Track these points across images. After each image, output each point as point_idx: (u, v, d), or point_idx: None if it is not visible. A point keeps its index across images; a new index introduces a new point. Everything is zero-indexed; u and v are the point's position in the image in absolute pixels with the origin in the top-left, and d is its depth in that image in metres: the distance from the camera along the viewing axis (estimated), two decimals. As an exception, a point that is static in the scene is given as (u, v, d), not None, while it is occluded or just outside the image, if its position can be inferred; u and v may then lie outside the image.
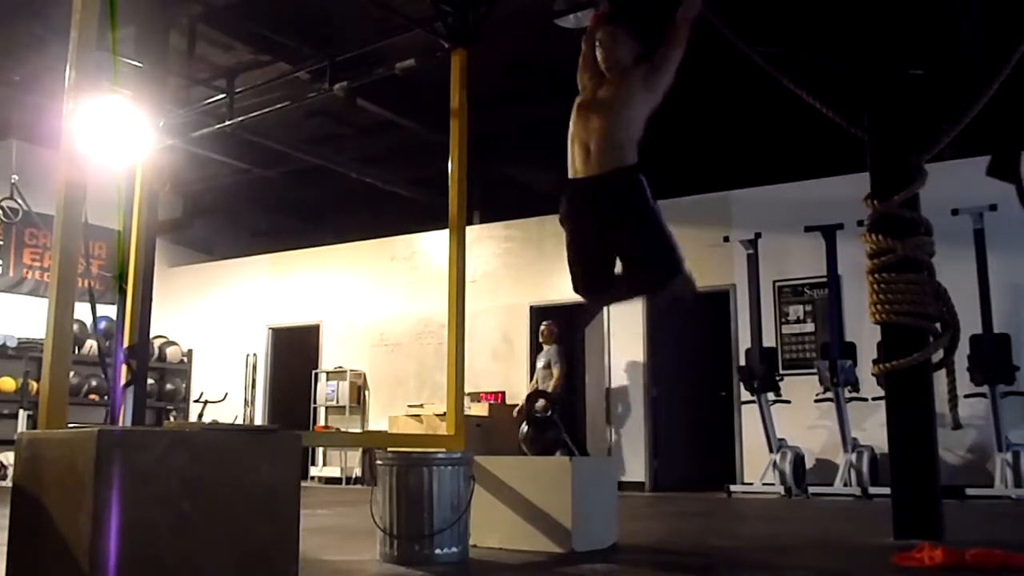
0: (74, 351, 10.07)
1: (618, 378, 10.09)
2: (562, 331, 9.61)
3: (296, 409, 11.93)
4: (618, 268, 3.86)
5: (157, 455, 2.46)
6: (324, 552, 3.97)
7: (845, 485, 8.14)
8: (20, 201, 10.30)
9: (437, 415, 9.46)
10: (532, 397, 8.06)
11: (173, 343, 12.88)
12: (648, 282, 3.82)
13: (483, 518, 4.03)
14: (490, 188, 10.97)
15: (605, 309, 10.22)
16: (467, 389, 5.21)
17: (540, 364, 9.49)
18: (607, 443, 9.95)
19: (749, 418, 9.12)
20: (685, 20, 3.81)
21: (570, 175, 3.85)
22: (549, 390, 8.97)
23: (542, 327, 9.64)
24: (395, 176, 11.43)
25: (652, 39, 3.89)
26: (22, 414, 10.21)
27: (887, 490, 4.64)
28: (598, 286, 3.88)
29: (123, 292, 5.84)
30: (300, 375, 12.20)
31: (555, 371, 9.28)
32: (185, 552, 2.47)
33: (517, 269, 11.00)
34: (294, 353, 12.52)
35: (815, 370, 8.44)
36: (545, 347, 9.54)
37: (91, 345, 11.06)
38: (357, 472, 11.41)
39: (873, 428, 7.98)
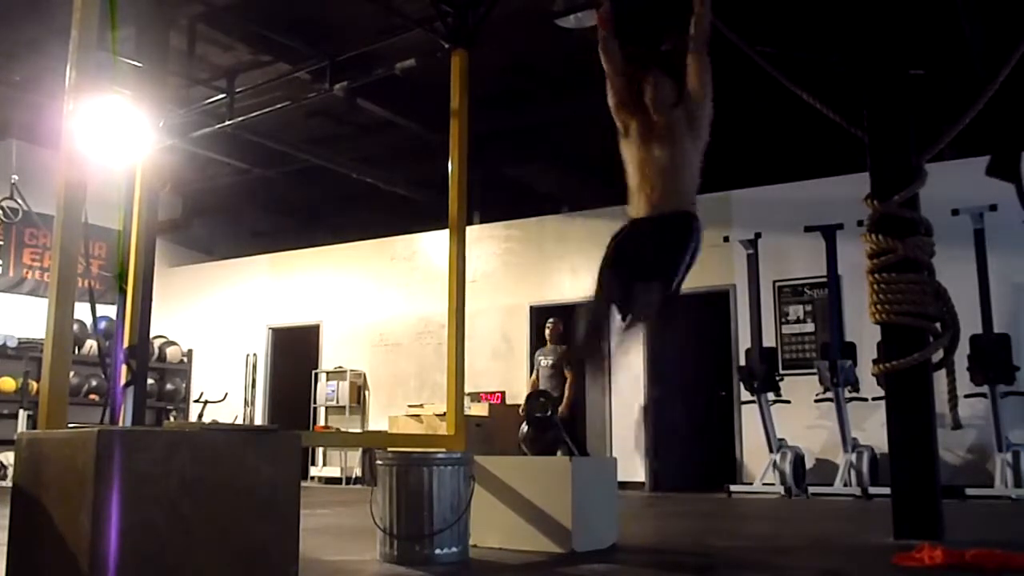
0: (74, 351, 10.07)
1: (618, 378, 10.08)
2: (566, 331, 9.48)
3: (296, 409, 11.93)
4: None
5: (157, 455, 2.46)
6: (324, 552, 3.97)
7: (845, 485, 8.14)
8: (20, 201, 10.30)
9: (437, 415, 9.45)
10: (532, 397, 8.03)
11: (173, 343, 12.88)
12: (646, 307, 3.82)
13: (483, 518, 4.03)
14: (490, 188, 10.97)
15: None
16: (467, 389, 5.21)
17: (546, 362, 9.14)
18: (607, 443, 9.95)
19: (749, 418, 9.12)
20: (701, 34, 3.81)
21: (632, 215, 3.86)
22: (565, 393, 8.81)
23: (549, 324, 9.37)
24: (395, 176, 11.42)
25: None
26: (22, 414, 10.21)
27: (887, 490, 4.64)
28: (619, 299, 3.89)
29: (123, 292, 5.83)
30: (300, 375, 12.20)
31: (569, 375, 9.05)
32: (185, 552, 2.47)
33: (517, 269, 11.00)
34: (294, 353, 12.52)
35: (815, 370, 8.44)
36: (550, 345, 9.28)
37: (91, 345, 11.06)
38: (357, 472, 11.41)
39: (873, 428, 7.98)
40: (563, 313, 10.22)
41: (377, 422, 11.48)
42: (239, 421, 11.91)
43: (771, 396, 8.71)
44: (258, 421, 12.24)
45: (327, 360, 12.20)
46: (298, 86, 8.69)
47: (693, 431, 10.03)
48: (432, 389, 10.95)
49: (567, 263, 10.68)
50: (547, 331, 9.39)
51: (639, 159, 3.87)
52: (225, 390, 12.24)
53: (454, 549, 3.71)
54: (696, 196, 3.84)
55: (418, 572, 3.48)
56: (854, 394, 8.25)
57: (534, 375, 9.36)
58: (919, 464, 4.40)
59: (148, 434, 2.59)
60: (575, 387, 8.99)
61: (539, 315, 10.18)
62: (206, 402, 11.66)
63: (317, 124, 10.37)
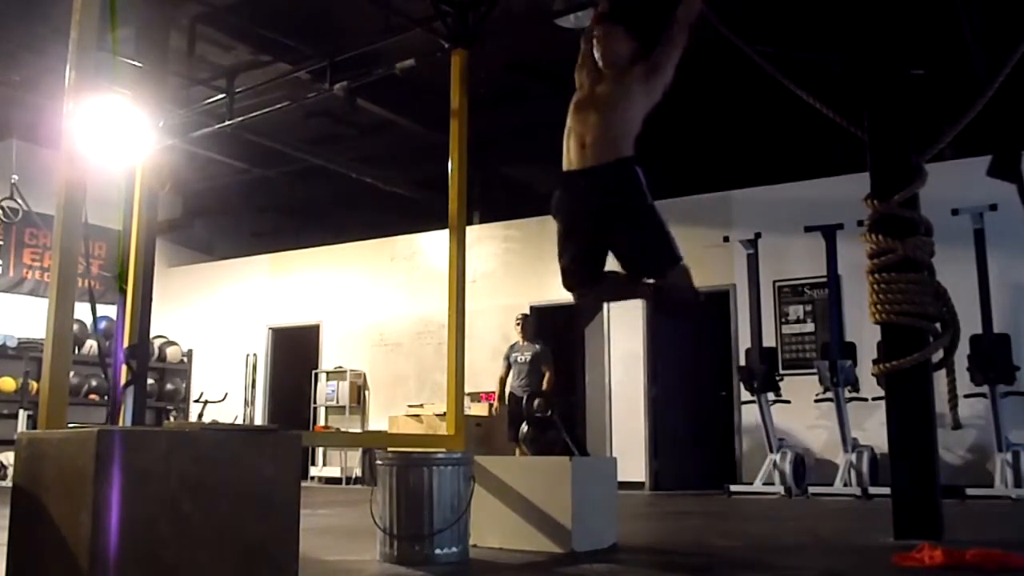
0: (74, 351, 10.07)
1: (618, 378, 10.08)
2: (552, 329, 9.38)
3: (296, 409, 11.93)
4: (609, 264, 3.83)
5: (157, 455, 2.46)
6: (324, 552, 3.97)
7: (845, 485, 8.14)
8: (20, 201, 10.29)
9: (437, 415, 9.44)
10: (533, 398, 8.04)
11: (173, 343, 12.88)
12: (647, 271, 3.73)
13: (483, 518, 4.03)
14: (490, 188, 10.97)
15: (604, 308, 10.23)
16: (467, 389, 5.21)
17: (523, 359, 8.97)
18: (607, 443, 9.95)
19: (749, 418, 9.12)
20: (684, 21, 3.80)
21: (564, 168, 3.81)
22: (544, 388, 8.75)
23: (518, 320, 9.26)
24: (395, 176, 11.43)
25: (652, 39, 3.89)
26: (22, 414, 10.21)
27: (887, 490, 4.64)
28: (586, 280, 3.82)
29: (123, 292, 5.83)
30: (300, 375, 12.20)
31: (548, 371, 8.88)
32: (185, 552, 2.47)
33: (517, 269, 11.00)
34: (294, 353, 12.52)
35: (815, 370, 8.44)
36: (524, 342, 9.11)
37: (91, 345, 11.06)
38: (357, 472, 11.41)
39: (873, 428, 7.98)
40: (563, 313, 10.24)
41: (377, 422, 11.48)
42: (239, 421, 11.91)
43: (771, 396, 8.72)
44: (258, 421, 12.24)
45: (327, 360, 12.20)
46: (298, 86, 8.69)
47: (693, 431, 10.05)
48: (432, 389, 10.95)
49: (567, 263, 10.67)
50: (517, 328, 9.26)
51: (578, 106, 3.82)
52: (225, 390, 12.23)
53: (454, 549, 3.71)
54: (633, 143, 3.72)
55: (418, 572, 3.48)
56: (854, 394, 8.26)
57: (504, 372, 9.21)
58: (919, 464, 4.40)
59: (148, 434, 2.59)
60: (553, 383, 8.89)
61: (540, 315, 10.18)
62: (206, 402, 11.66)
63: (317, 124, 10.37)
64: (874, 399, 7.81)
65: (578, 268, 3.80)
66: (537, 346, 8.97)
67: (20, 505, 2.64)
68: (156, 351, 12.30)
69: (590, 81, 3.94)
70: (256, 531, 2.64)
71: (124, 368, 5.71)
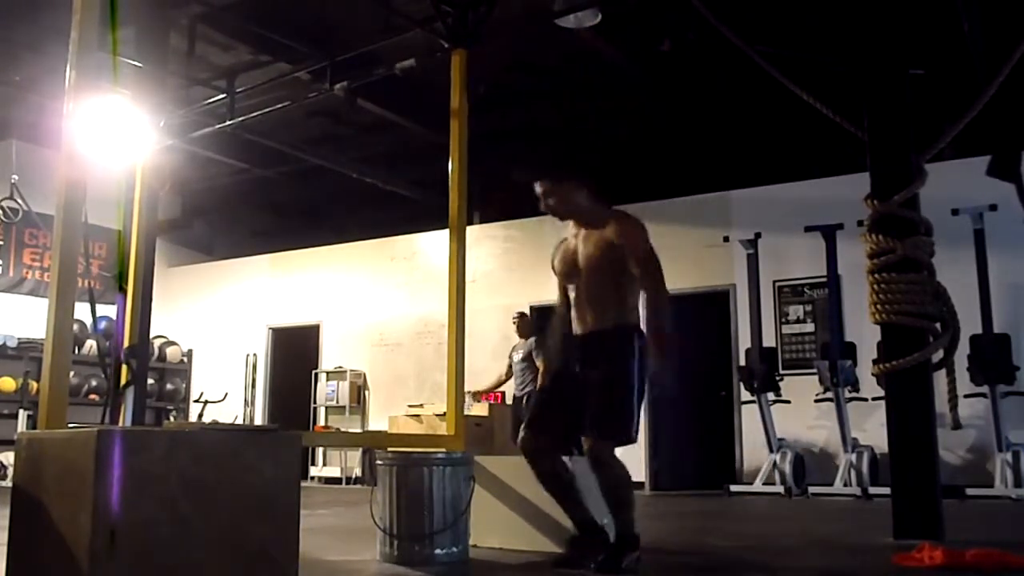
0: (74, 351, 10.07)
1: (618, 378, 10.06)
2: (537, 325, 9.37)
3: (296, 409, 11.93)
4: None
5: (157, 455, 2.46)
6: (324, 552, 3.97)
7: (845, 485, 8.14)
8: (20, 201, 10.28)
9: (437, 415, 9.44)
10: (529, 399, 8.04)
11: (173, 343, 12.87)
12: (591, 425, 3.55)
13: (483, 518, 4.03)
14: (490, 188, 10.96)
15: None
16: (467, 389, 5.21)
17: (517, 357, 9.01)
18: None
19: (749, 418, 9.12)
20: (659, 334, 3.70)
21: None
22: (539, 382, 8.73)
23: (516, 318, 9.28)
24: (395, 176, 11.43)
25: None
26: (22, 414, 10.20)
27: (887, 490, 4.64)
28: (547, 432, 3.68)
29: (123, 292, 5.84)
30: (300, 375, 12.20)
31: (540, 364, 8.67)
32: (185, 552, 2.47)
33: (517, 269, 10.99)
34: (294, 353, 12.52)
35: (815, 370, 8.44)
36: (520, 340, 9.14)
37: (91, 345, 11.06)
38: (357, 472, 11.41)
39: (873, 428, 7.97)
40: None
41: (377, 422, 11.48)
42: (239, 421, 11.91)
43: (771, 396, 8.72)
44: (258, 421, 12.24)
45: (327, 360, 12.20)
46: (298, 86, 8.69)
47: (693, 431, 10.03)
48: (432, 389, 10.95)
49: (567, 263, 10.66)
50: (514, 327, 9.28)
51: (577, 300, 3.78)
52: (225, 390, 12.23)
53: (454, 549, 3.71)
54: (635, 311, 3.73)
55: (418, 572, 3.48)
56: (854, 394, 8.25)
57: (503, 372, 9.24)
58: (919, 464, 4.40)
59: (148, 434, 2.59)
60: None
61: (540, 315, 10.16)
62: (206, 402, 11.65)
63: (317, 124, 10.37)
64: (874, 399, 7.81)
65: (546, 413, 3.70)
66: (530, 342, 8.95)
67: (20, 505, 2.64)
68: (156, 351, 12.29)
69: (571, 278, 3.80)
70: (256, 531, 2.64)
71: (124, 368, 5.72)
